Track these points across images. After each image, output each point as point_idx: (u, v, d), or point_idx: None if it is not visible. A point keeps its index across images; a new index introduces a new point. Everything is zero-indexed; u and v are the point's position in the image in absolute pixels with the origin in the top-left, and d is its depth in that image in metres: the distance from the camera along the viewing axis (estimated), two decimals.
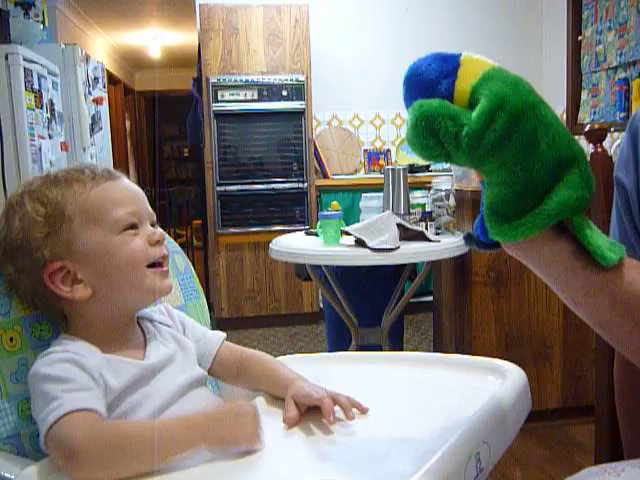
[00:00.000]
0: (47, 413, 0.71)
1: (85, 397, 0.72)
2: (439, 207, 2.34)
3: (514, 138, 0.53)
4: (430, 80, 0.56)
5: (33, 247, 0.80)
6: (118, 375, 0.78)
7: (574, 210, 0.55)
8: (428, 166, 4.18)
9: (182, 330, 0.93)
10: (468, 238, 0.63)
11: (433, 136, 0.55)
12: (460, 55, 0.57)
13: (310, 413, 0.81)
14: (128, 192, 0.86)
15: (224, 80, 3.87)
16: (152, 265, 0.84)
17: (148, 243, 0.84)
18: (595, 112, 3.87)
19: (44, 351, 0.80)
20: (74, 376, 0.74)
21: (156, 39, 7.23)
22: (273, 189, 3.96)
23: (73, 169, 0.86)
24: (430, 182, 2.46)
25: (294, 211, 3.98)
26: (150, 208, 0.88)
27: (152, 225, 0.87)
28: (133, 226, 0.83)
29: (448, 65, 0.56)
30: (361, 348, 2.38)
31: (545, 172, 0.54)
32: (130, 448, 0.68)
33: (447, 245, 2.17)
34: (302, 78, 3.93)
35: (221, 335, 0.95)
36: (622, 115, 3.51)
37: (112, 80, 6.97)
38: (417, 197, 2.46)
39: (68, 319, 0.85)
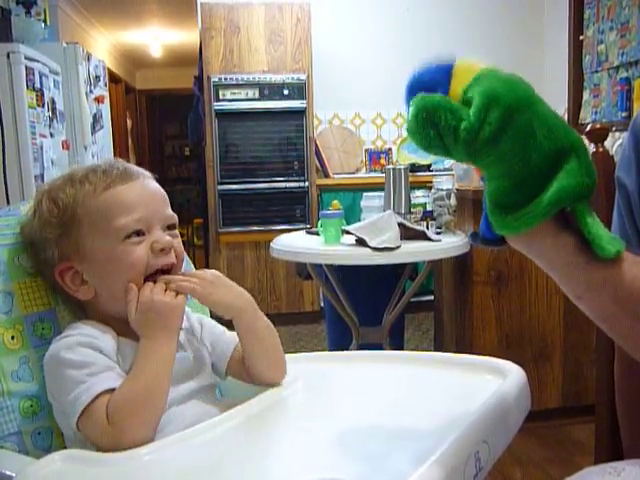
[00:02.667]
0: (77, 396, 0.75)
1: (110, 376, 0.77)
2: (440, 206, 2.34)
3: (509, 132, 0.54)
4: (426, 89, 0.57)
5: (46, 245, 0.84)
6: (127, 357, 0.81)
7: (575, 197, 0.55)
8: (429, 165, 4.18)
9: (199, 330, 0.93)
10: (474, 236, 0.63)
11: (433, 128, 0.55)
12: (453, 64, 0.58)
13: (310, 414, 0.81)
14: (140, 196, 0.84)
15: (225, 79, 3.86)
16: (152, 275, 0.83)
17: (152, 251, 0.82)
18: (597, 112, 3.86)
19: (59, 336, 0.82)
20: (95, 359, 0.78)
21: (157, 38, 7.23)
22: (274, 188, 3.96)
23: (91, 169, 0.86)
24: (431, 181, 2.46)
25: (295, 210, 3.98)
26: (169, 211, 0.87)
27: (170, 228, 0.86)
28: (139, 233, 0.82)
29: (440, 76, 0.57)
30: (362, 347, 2.38)
31: (543, 163, 0.55)
32: (141, 389, 0.76)
33: (448, 244, 2.17)
34: (303, 77, 3.92)
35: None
36: (624, 115, 3.51)
37: (113, 78, 6.97)
38: (418, 196, 2.46)
39: (85, 310, 0.88)
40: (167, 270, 0.84)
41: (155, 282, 0.82)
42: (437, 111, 0.55)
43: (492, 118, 0.54)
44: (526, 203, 0.56)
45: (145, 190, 0.86)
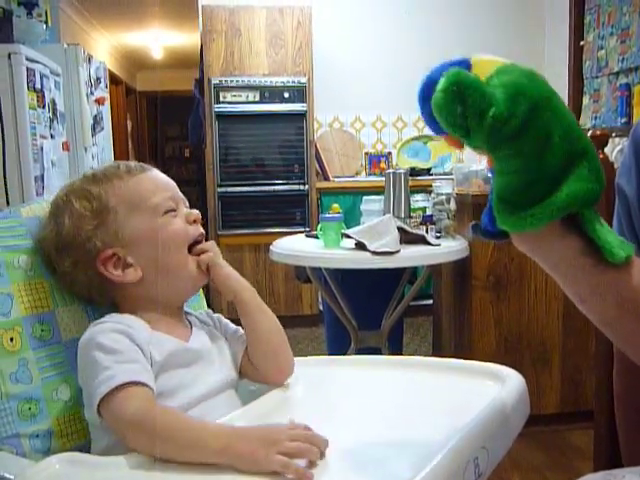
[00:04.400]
0: (100, 383, 0.75)
1: (135, 369, 0.77)
2: (440, 211, 2.34)
3: (531, 128, 0.53)
4: None
5: (85, 239, 0.86)
6: (161, 349, 0.83)
7: (584, 203, 0.55)
8: (429, 169, 4.18)
9: (219, 327, 0.97)
10: (475, 227, 0.63)
11: (461, 105, 0.53)
12: (469, 59, 0.57)
13: (308, 418, 0.80)
14: (161, 180, 0.93)
15: (226, 81, 3.87)
16: (192, 246, 0.90)
17: (187, 222, 0.91)
18: (596, 117, 3.87)
19: (95, 321, 0.84)
20: (125, 347, 0.79)
21: (158, 39, 7.23)
22: (274, 191, 3.96)
23: (109, 167, 0.93)
24: (431, 186, 2.46)
25: (295, 213, 3.98)
26: (182, 194, 0.95)
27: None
28: (172, 210, 0.90)
29: (461, 67, 0.55)
30: (360, 351, 2.38)
31: (556, 164, 0.54)
32: (174, 441, 0.71)
33: (447, 249, 2.17)
34: (304, 80, 3.93)
35: None
36: (623, 121, 3.51)
37: (114, 80, 6.97)
38: (418, 200, 2.46)
39: (119, 305, 0.90)
40: (200, 241, 0.92)
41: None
42: (469, 89, 0.53)
43: (520, 111, 0.52)
44: (533, 203, 0.55)
45: (163, 176, 0.95)
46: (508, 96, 0.53)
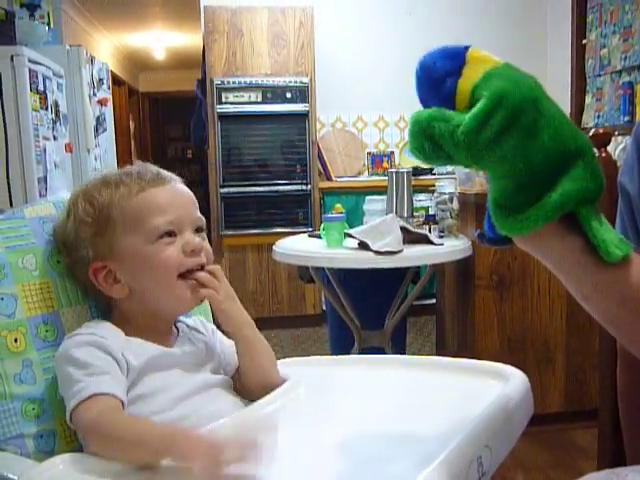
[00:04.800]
0: (72, 395, 0.77)
1: (104, 381, 0.77)
2: (442, 210, 2.34)
3: (513, 132, 0.53)
4: (435, 78, 0.57)
5: (81, 245, 0.87)
6: (139, 355, 0.83)
7: (578, 202, 0.55)
8: (432, 169, 4.18)
9: (212, 338, 0.95)
10: (481, 235, 0.63)
11: (429, 140, 0.56)
12: (467, 50, 0.57)
13: (311, 418, 0.81)
14: (172, 199, 0.88)
15: (228, 82, 3.87)
16: (185, 274, 0.86)
17: (183, 253, 0.86)
18: (599, 116, 3.86)
19: (70, 333, 0.84)
20: (97, 360, 0.79)
21: (160, 40, 7.25)
22: (276, 191, 3.97)
23: (124, 172, 0.90)
24: (434, 185, 2.46)
25: (297, 213, 3.98)
26: (197, 214, 0.90)
27: (198, 230, 0.89)
28: (171, 234, 0.86)
29: (454, 63, 0.57)
30: (364, 351, 2.38)
31: (547, 165, 0.54)
32: (121, 440, 0.72)
33: (450, 248, 2.17)
34: (306, 80, 3.93)
35: None
36: (626, 119, 3.51)
37: (116, 81, 6.98)
38: (421, 200, 2.46)
39: (112, 308, 0.90)
40: (196, 270, 0.87)
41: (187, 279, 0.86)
42: (430, 123, 0.55)
43: (495, 120, 0.53)
44: (528, 205, 0.55)
45: (177, 193, 0.90)
46: (484, 108, 0.53)
